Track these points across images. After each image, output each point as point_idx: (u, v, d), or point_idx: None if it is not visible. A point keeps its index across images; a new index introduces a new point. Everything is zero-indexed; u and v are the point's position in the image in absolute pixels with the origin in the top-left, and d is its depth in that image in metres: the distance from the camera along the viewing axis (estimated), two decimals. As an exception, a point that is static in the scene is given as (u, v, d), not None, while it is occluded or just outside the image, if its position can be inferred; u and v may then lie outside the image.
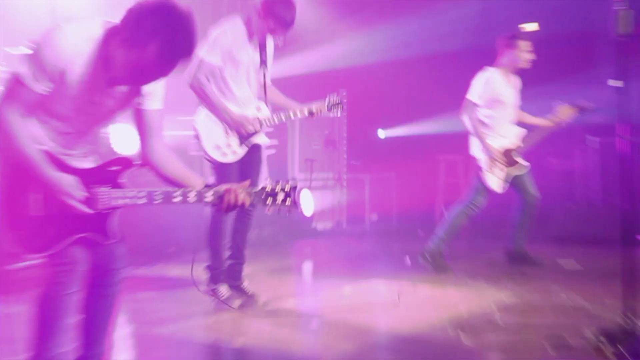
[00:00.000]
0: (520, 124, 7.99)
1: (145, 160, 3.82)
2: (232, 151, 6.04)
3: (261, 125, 6.15)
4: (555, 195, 10.85)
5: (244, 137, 6.08)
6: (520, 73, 7.91)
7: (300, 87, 11.20)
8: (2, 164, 3.52)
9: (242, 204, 3.69)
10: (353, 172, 11.99)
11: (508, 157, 7.71)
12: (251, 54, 6.08)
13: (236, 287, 6.20)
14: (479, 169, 7.67)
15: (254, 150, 6.25)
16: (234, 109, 6.00)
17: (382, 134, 12.29)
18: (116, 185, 3.62)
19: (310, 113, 6.33)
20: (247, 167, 6.17)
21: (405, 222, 11.39)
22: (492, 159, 7.60)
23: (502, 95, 7.71)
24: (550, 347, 4.76)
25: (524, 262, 7.95)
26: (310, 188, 10.98)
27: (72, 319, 3.62)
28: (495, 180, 7.63)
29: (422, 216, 11.38)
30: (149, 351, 4.89)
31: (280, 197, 3.78)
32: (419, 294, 6.32)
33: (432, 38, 12.16)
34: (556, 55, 12.38)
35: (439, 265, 7.66)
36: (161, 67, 3.42)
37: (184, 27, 3.38)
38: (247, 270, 6.29)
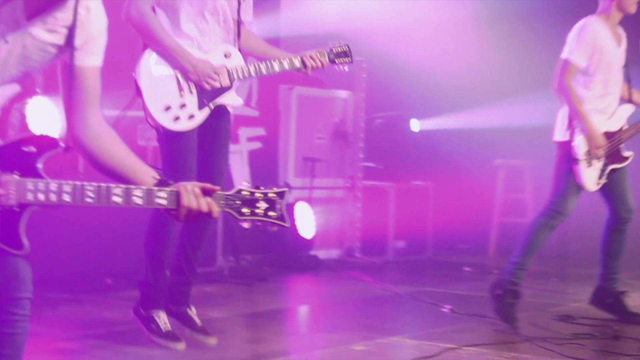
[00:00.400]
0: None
1: (74, 141, 3.69)
2: (187, 115, 6.01)
3: (231, 77, 6.16)
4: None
5: (206, 95, 6.07)
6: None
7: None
8: None
9: (208, 213, 3.55)
10: (372, 179, 12.12)
11: (612, 143, 7.75)
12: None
13: (179, 314, 6.20)
14: (573, 160, 7.61)
15: (220, 114, 6.25)
16: (193, 52, 6.01)
17: (415, 125, 12.27)
18: (30, 173, 3.44)
19: (304, 64, 6.46)
20: (209, 139, 6.19)
21: (445, 252, 11.37)
22: (596, 146, 7.54)
23: (610, 54, 7.74)
24: None
25: (617, 310, 7.95)
26: (309, 200, 10.96)
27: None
28: (592, 176, 7.63)
29: (470, 245, 11.35)
30: None
31: (262, 206, 3.65)
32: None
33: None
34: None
35: (508, 310, 7.57)
36: None
37: None
38: (214, 314, 6.22)
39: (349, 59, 6.71)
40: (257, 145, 11.29)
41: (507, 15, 12.12)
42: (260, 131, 11.34)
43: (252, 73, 6.30)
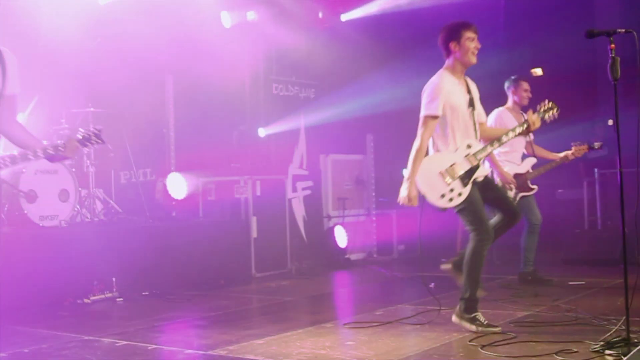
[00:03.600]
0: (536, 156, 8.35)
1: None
2: (457, 194, 5.77)
3: (471, 159, 5.83)
4: (564, 222, 11.08)
5: (465, 178, 5.77)
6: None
7: (329, 133, 11.50)
8: None
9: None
10: (381, 208, 12.16)
11: (520, 180, 8.05)
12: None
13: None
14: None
15: (482, 183, 5.95)
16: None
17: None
18: None
19: (526, 130, 6.07)
20: (489, 195, 5.98)
21: (430, 251, 11.51)
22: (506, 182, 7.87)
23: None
24: (559, 357, 4.91)
25: (536, 283, 8.19)
26: (343, 224, 11.22)
27: None
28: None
29: (444, 245, 11.48)
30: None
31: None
32: (443, 316, 6.42)
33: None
34: (566, 96, 12.57)
35: (540, 281, 8.22)
36: None
37: None
38: (288, 298, 6.34)
39: (554, 111, 6.16)
40: (308, 192, 11.38)
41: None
42: (309, 183, 11.40)
43: (489, 151, 5.95)
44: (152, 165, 10.34)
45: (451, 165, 5.80)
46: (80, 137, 4.72)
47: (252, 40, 11.04)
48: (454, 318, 5.99)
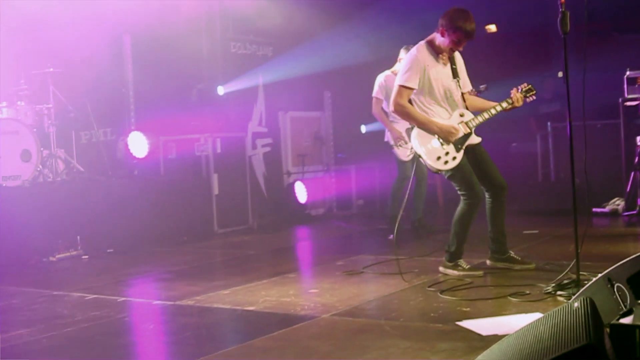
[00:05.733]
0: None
1: None
2: (452, 157, 5.97)
3: (470, 127, 6.09)
4: (519, 175, 11.35)
5: (458, 142, 6.00)
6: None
7: (287, 90, 11.61)
8: None
9: None
10: (340, 164, 12.35)
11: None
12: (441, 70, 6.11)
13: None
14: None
15: (471, 149, 6.14)
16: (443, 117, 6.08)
17: (364, 129, 12.59)
18: None
19: (508, 106, 6.20)
20: (477, 163, 6.18)
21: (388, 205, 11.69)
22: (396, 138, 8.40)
23: None
24: (514, 298, 5.16)
25: (423, 229, 8.83)
26: (303, 180, 11.38)
27: None
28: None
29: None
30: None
31: None
32: (401, 264, 6.64)
33: (404, 41, 12.40)
34: (519, 51, 12.80)
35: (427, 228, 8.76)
36: None
37: None
38: (251, 251, 6.49)
39: (534, 92, 6.29)
40: (268, 149, 11.56)
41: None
42: (269, 140, 11.57)
43: (481, 121, 6.10)
44: (112, 125, 10.38)
45: None
46: None
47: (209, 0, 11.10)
48: (441, 268, 6.29)
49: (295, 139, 11.76)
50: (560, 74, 5.64)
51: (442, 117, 6.09)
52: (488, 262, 6.40)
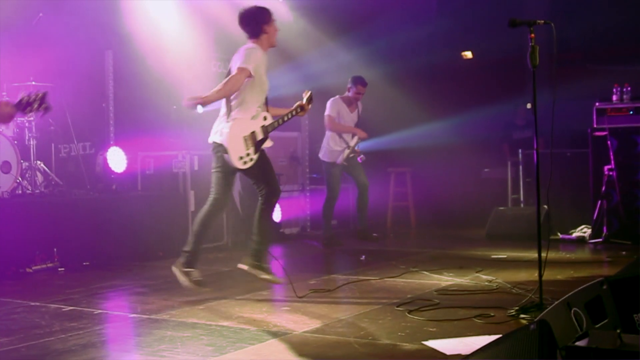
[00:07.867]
0: None
1: None
2: (250, 159, 6.51)
3: (267, 132, 6.63)
4: (489, 200, 11.61)
5: (257, 146, 6.58)
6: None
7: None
8: None
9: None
10: (314, 184, 12.48)
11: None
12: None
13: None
14: None
15: (262, 152, 6.73)
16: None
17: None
18: None
19: (300, 110, 6.95)
20: (264, 163, 6.73)
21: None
22: None
23: None
24: (478, 320, 5.36)
25: (365, 238, 9.95)
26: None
27: None
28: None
29: (375, 221, 11.88)
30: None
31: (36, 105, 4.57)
32: (373, 285, 6.82)
33: (386, 60, 12.56)
34: (495, 79, 13.03)
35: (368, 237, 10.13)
36: None
37: None
38: (224, 269, 6.62)
39: (311, 99, 7.02)
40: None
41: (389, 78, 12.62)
42: None
43: (276, 125, 6.72)
44: (91, 139, 10.52)
45: (251, 133, 6.53)
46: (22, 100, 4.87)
47: (193, 19, 11.25)
48: (173, 268, 6.68)
49: (272, 158, 11.70)
50: (528, 106, 5.87)
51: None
52: (240, 264, 6.76)
